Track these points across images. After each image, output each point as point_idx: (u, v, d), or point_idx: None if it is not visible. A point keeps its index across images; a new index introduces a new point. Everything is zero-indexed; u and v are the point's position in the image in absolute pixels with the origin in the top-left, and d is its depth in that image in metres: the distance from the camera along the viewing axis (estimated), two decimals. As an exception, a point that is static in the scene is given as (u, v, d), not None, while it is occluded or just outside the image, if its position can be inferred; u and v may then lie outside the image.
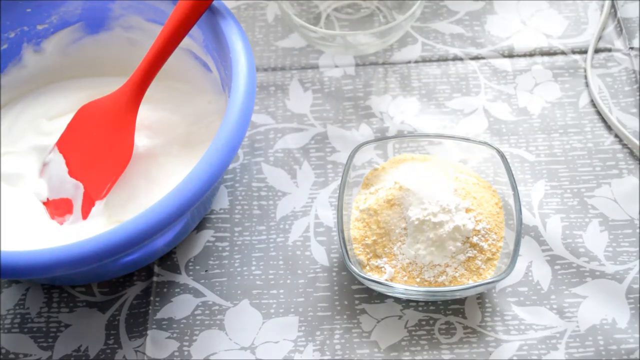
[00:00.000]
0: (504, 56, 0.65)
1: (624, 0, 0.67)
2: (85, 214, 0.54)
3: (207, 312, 0.53)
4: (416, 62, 0.65)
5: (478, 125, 0.61)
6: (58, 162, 0.56)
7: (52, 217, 0.55)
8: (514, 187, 0.52)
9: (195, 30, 0.55)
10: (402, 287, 0.49)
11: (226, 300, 0.54)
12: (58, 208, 0.55)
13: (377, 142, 0.56)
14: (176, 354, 0.52)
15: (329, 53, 0.66)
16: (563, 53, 0.65)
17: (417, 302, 0.53)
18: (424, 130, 0.61)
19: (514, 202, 0.51)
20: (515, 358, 0.50)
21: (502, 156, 0.54)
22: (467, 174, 0.54)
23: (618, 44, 0.65)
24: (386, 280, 0.51)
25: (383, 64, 0.65)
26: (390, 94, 0.63)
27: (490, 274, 0.51)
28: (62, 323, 0.53)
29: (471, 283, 0.50)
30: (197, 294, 0.54)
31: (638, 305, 0.52)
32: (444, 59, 0.65)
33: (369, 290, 0.53)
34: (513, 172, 0.56)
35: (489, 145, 0.55)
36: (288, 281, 0.54)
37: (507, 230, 0.52)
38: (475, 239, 0.51)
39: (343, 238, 0.51)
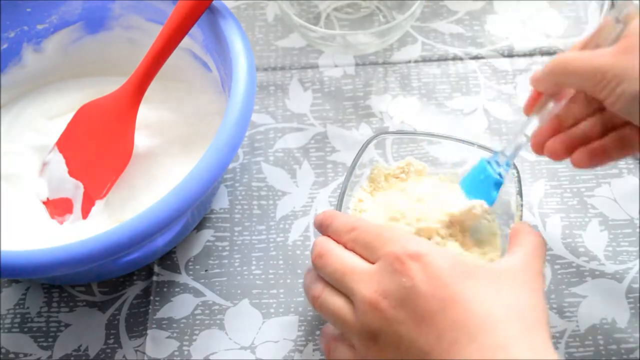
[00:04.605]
0: (504, 56, 0.65)
1: (623, 0, 0.67)
2: (85, 213, 0.54)
3: (207, 311, 0.53)
4: (416, 61, 0.65)
5: (478, 125, 0.61)
6: (58, 161, 0.56)
7: (52, 217, 0.55)
8: (521, 195, 0.51)
9: (195, 30, 0.55)
10: None
11: (226, 299, 0.54)
12: (58, 208, 0.55)
13: (395, 135, 0.56)
14: (176, 353, 0.52)
15: (329, 53, 0.66)
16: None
17: (417, 301, 0.53)
18: (423, 130, 0.61)
19: (515, 205, 0.51)
20: (515, 357, 0.50)
21: (514, 167, 0.52)
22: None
23: (618, 43, 0.65)
24: None
25: (383, 63, 0.65)
26: (390, 94, 0.63)
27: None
28: (62, 323, 0.53)
29: None
30: (197, 293, 0.54)
31: (638, 304, 0.52)
32: (443, 59, 0.65)
33: (368, 290, 0.53)
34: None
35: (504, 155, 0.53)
36: (288, 281, 0.54)
37: (507, 230, 0.52)
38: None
39: None
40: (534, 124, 0.47)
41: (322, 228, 0.46)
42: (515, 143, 0.48)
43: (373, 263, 0.41)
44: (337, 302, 0.42)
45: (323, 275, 0.44)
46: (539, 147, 0.47)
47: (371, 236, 0.42)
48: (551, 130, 0.47)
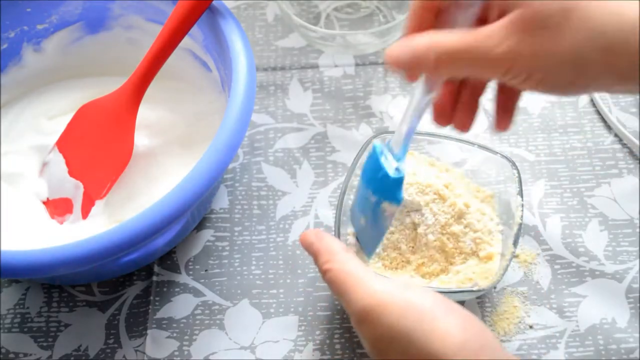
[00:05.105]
0: (504, 56, 0.65)
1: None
2: (85, 213, 0.54)
3: (207, 311, 0.53)
4: (416, 61, 0.65)
5: (478, 125, 0.61)
6: (58, 161, 0.56)
7: (52, 217, 0.55)
8: (521, 196, 0.51)
9: (195, 30, 0.55)
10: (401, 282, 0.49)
11: (226, 299, 0.54)
12: (58, 207, 0.55)
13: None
14: (176, 353, 0.52)
15: (329, 53, 0.66)
16: (563, 53, 0.64)
17: (417, 301, 0.53)
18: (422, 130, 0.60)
19: (515, 210, 0.51)
20: (515, 357, 0.50)
21: (515, 167, 0.53)
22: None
23: (618, 43, 0.65)
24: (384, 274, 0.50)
25: (383, 63, 0.65)
26: (390, 94, 0.63)
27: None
28: (62, 322, 0.53)
29: (475, 288, 0.50)
30: (197, 293, 0.54)
31: (638, 304, 0.52)
32: (443, 59, 0.65)
33: (368, 290, 0.53)
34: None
35: (505, 157, 0.53)
36: (288, 281, 0.54)
37: (507, 229, 0.52)
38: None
39: (339, 235, 0.51)
40: (419, 104, 0.43)
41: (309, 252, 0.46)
42: (402, 133, 0.44)
43: None
44: None
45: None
46: (444, 118, 0.44)
47: (336, 289, 0.43)
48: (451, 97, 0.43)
